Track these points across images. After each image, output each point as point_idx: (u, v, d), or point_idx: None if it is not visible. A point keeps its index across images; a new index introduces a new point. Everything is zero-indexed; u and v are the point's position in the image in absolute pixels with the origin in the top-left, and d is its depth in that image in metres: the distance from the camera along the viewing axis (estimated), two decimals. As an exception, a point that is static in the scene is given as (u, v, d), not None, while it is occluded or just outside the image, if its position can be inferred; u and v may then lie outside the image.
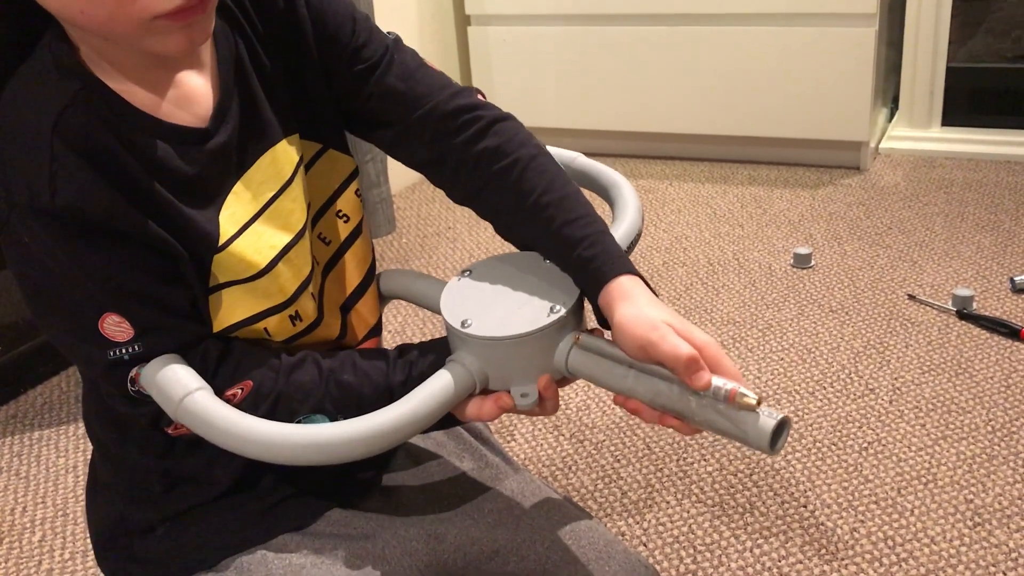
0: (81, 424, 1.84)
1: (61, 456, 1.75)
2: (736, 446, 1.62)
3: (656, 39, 2.75)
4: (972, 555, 1.37)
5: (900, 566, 1.36)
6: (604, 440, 1.68)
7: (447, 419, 0.78)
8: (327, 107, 0.85)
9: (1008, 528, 1.42)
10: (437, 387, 0.74)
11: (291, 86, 0.82)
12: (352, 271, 0.90)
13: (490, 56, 2.96)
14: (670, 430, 1.65)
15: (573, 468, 1.62)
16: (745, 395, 0.67)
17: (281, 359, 0.79)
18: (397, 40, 0.87)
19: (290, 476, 0.87)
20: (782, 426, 0.68)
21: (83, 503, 1.61)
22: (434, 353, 0.79)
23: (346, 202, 0.88)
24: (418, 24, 2.89)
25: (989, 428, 1.63)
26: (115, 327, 0.72)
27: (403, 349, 0.81)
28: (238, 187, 0.78)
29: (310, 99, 0.84)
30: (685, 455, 1.62)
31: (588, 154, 1.01)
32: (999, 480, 1.51)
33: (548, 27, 2.85)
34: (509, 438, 1.70)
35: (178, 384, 0.73)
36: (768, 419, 0.67)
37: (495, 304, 0.77)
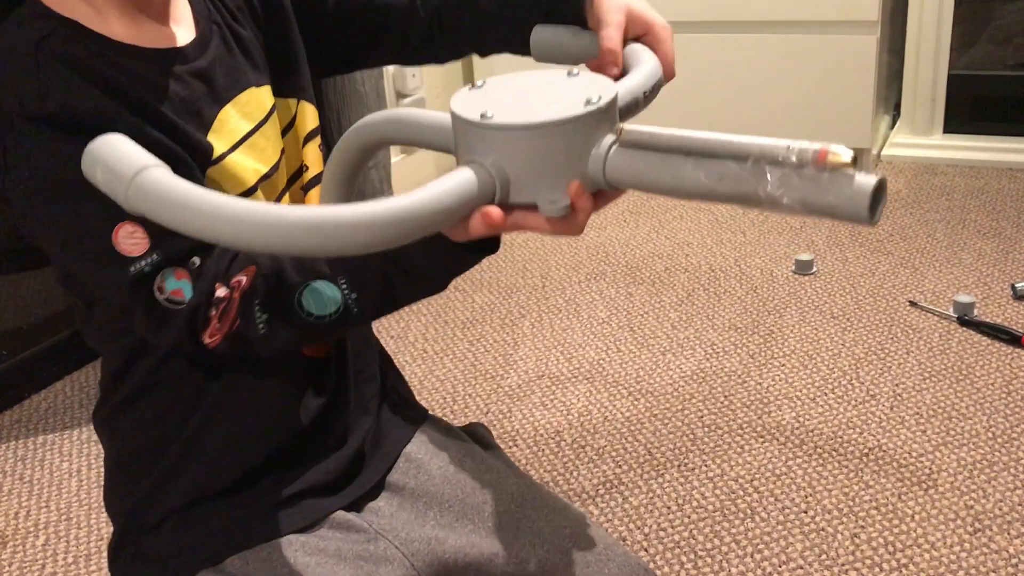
0: (85, 429, 1.85)
1: (65, 460, 1.76)
2: (738, 446, 1.62)
3: (658, 46, 2.75)
4: (972, 561, 1.38)
5: (900, 572, 1.37)
6: (605, 445, 1.68)
7: (453, 251, 0.69)
8: (300, 58, 0.90)
9: (1008, 534, 1.42)
10: (457, 181, 0.60)
11: (264, 40, 0.88)
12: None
13: (493, 57, 2.96)
14: (670, 434, 1.66)
15: (574, 473, 1.62)
16: (837, 152, 0.55)
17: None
18: None
19: (295, 471, 0.87)
20: (880, 188, 0.55)
21: (86, 507, 1.62)
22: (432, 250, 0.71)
23: (308, 154, 0.92)
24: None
25: (990, 435, 1.63)
26: (130, 239, 0.71)
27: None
28: (220, 116, 0.81)
29: (285, 52, 0.89)
30: (686, 460, 1.62)
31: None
32: (999, 486, 1.51)
33: (551, 34, 2.86)
34: (511, 443, 1.71)
35: (130, 158, 0.58)
36: (867, 178, 0.54)
37: (521, 99, 0.65)
